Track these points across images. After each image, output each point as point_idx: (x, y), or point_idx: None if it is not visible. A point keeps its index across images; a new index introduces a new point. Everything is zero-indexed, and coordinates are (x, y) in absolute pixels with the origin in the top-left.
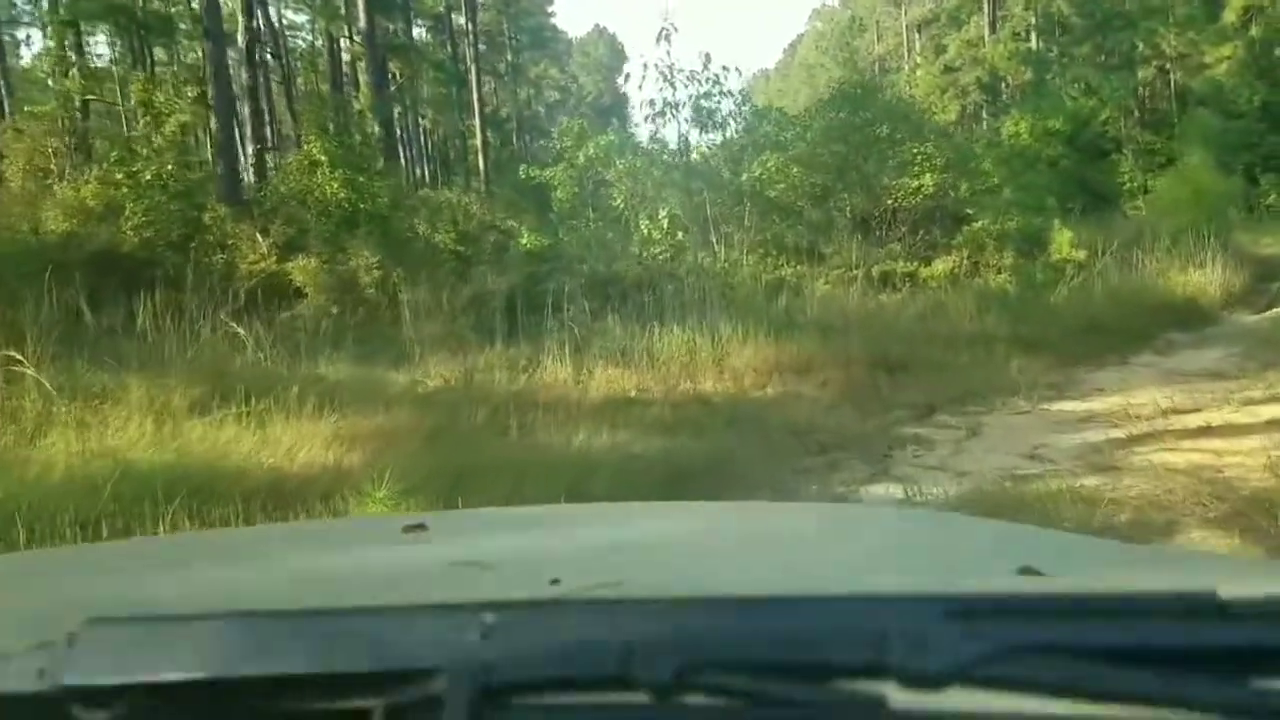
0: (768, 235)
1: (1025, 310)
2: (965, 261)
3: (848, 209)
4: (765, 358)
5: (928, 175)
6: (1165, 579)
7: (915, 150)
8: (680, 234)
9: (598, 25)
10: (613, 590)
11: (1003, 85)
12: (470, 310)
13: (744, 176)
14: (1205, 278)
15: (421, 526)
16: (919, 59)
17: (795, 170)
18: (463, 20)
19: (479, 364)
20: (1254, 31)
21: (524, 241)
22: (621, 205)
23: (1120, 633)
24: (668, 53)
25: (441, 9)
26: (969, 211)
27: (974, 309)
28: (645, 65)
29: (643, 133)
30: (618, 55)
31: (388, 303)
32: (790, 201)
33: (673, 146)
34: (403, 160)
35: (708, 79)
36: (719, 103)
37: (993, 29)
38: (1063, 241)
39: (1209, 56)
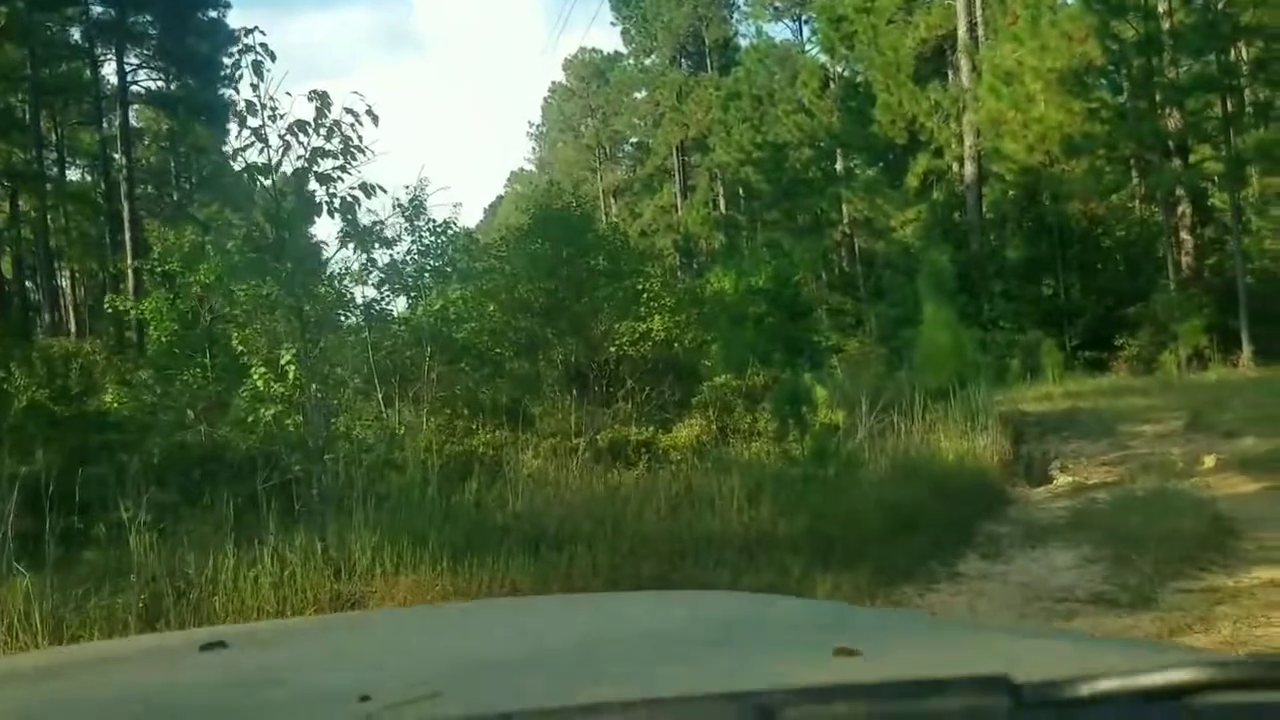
0: (456, 390)
1: (806, 495)
2: (712, 425)
3: (560, 359)
4: (434, 598)
5: (657, 318)
6: (966, 657)
7: (641, 287)
8: (314, 388)
9: (285, 174)
10: (424, 707)
11: (697, 248)
12: None
13: (419, 311)
14: (978, 444)
15: (221, 644)
16: (616, 222)
17: (492, 308)
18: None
19: None
20: (936, 195)
21: (109, 399)
22: (240, 348)
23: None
24: (253, 86)
25: (98, 145)
26: (705, 364)
27: (741, 493)
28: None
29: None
30: (312, 207)
31: None
32: (487, 347)
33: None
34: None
35: (324, 129)
36: (342, 167)
37: (684, 195)
38: (820, 401)
39: (894, 220)
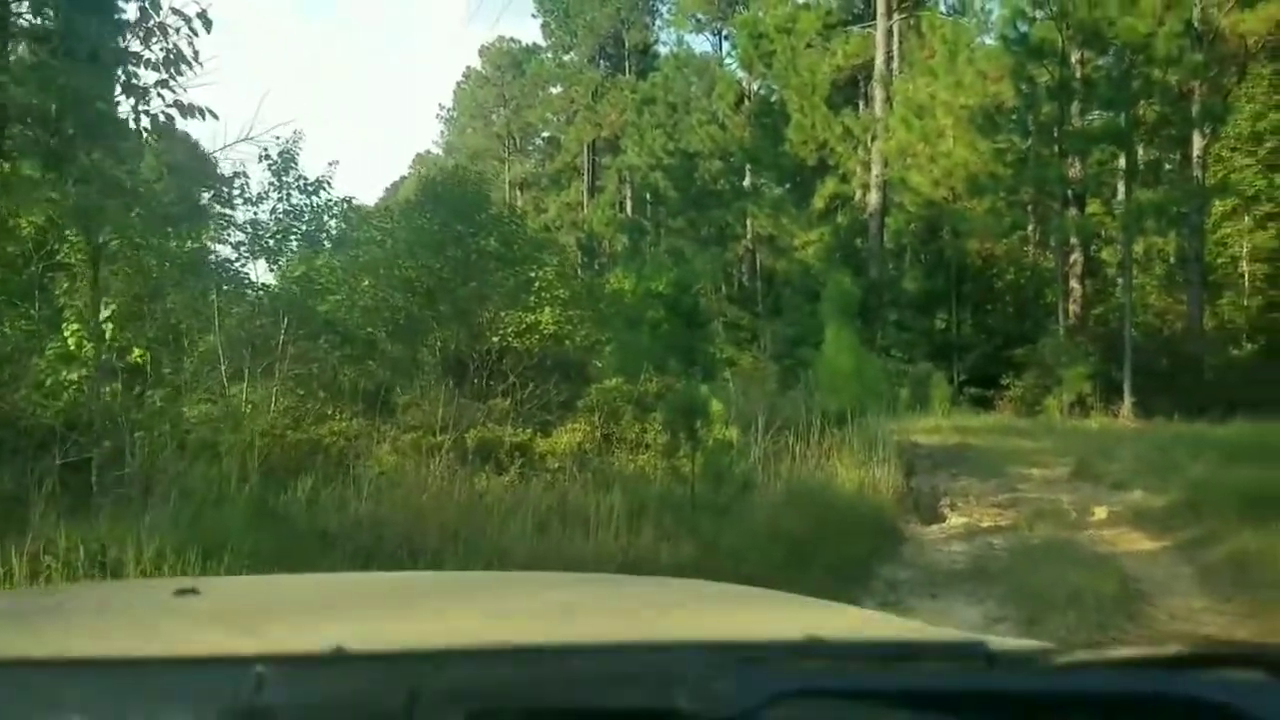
0: (313, 370)
1: (694, 519)
2: (597, 432)
3: (438, 345)
4: None
5: (547, 310)
6: None
7: (533, 274)
8: (139, 352)
9: (177, 127)
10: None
11: (600, 249)
12: None
13: (278, 276)
14: (876, 475)
15: (193, 590)
16: (513, 204)
17: (368, 283)
18: None
19: None
20: (839, 220)
21: None
22: (63, 299)
23: (898, 678)
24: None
25: None
26: (596, 364)
27: (622, 513)
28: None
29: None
30: (201, 162)
31: None
32: (358, 325)
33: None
34: None
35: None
36: (164, 81)
37: (591, 195)
38: (714, 415)
39: (797, 240)
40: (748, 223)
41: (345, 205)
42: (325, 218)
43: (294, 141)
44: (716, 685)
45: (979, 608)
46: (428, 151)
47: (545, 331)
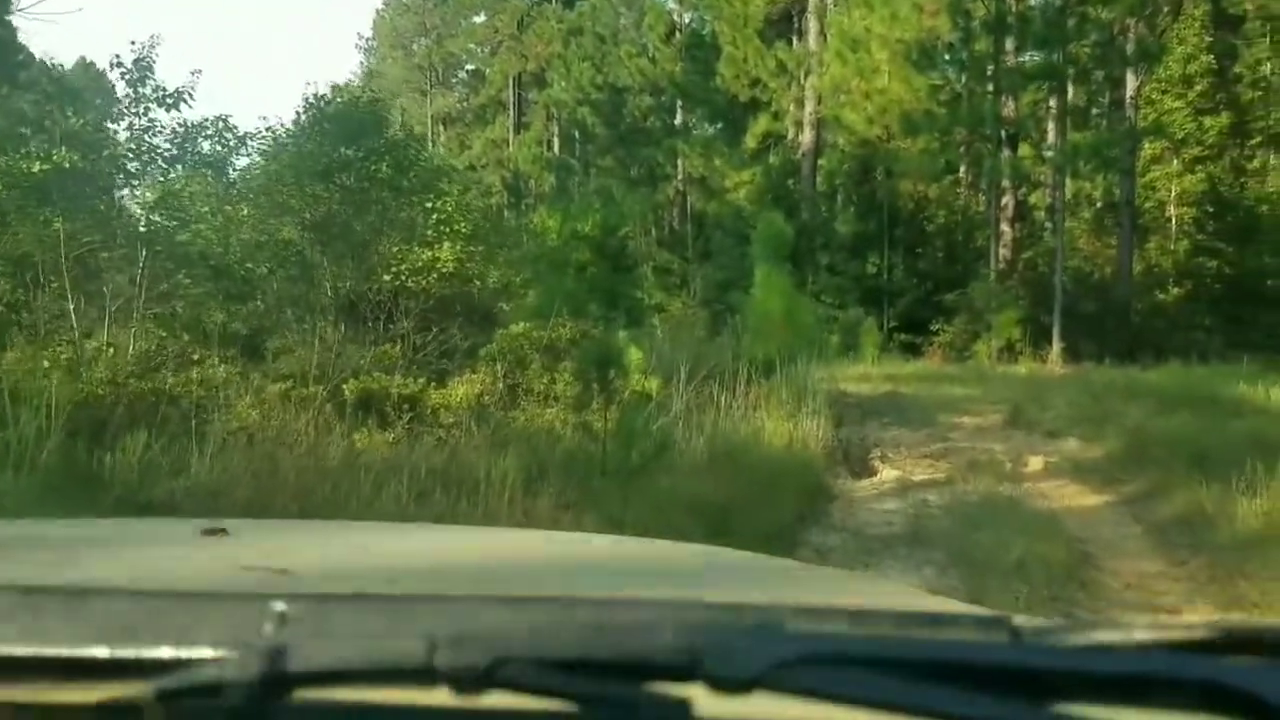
0: (176, 309)
1: (601, 486)
2: (500, 383)
3: (329, 284)
4: None
5: (446, 245)
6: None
7: (431, 206)
8: None
9: (83, 58)
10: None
11: (526, 188)
12: None
13: (128, 198)
14: (805, 427)
15: (222, 531)
16: (443, 151)
17: (246, 213)
18: None
19: None
20: (772, 160)
21: None
22: None
23: (920, 648)
24: None
25: None
26: (503, 308)
27: (519, 476)
28: None
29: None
30: (107, 95)
31: None
32: (233, 261)
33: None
34: None
35: None
36: None
37: (518, 131)
38: (633, 364)
39: (729, 181)
40: (678, 162)
41: (220, 124)
42: (199, 139)
43: (149, 47)
44: (738, 646)
45: (916, 575)
46: (348, 83)
47: (444, 270)
